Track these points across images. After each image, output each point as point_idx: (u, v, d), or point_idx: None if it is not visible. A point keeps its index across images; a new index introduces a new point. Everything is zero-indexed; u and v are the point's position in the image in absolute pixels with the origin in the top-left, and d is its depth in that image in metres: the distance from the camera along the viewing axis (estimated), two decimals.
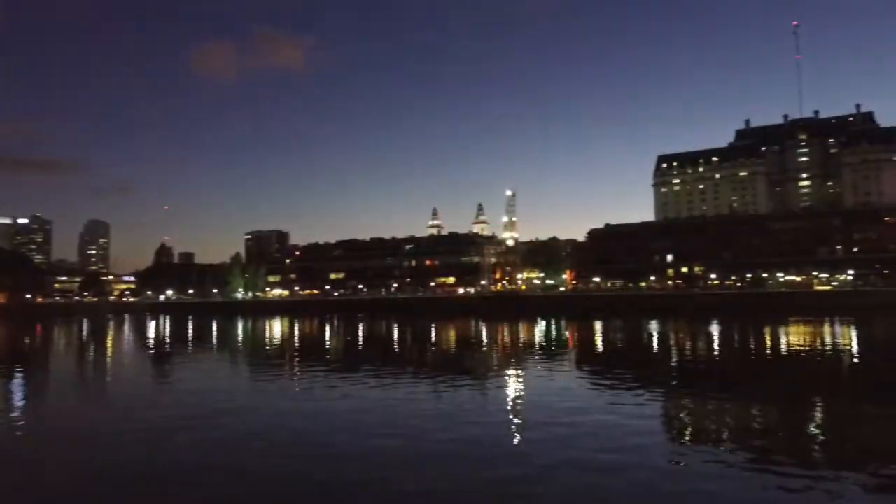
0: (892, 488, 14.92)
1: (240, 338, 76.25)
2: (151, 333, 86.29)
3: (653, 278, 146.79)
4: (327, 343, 64.53)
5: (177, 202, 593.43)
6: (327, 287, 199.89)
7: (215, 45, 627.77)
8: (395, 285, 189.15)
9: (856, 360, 40.86)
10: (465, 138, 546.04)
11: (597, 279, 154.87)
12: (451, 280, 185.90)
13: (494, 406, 26.73)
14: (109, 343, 71.08)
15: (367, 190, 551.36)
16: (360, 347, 58.61)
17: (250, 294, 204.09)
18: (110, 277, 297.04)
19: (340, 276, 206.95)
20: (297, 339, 71.24)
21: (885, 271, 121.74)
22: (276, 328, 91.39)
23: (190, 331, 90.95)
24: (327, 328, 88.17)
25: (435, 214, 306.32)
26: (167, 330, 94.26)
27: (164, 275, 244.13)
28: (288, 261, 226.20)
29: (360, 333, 76.36)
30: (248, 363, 48.27)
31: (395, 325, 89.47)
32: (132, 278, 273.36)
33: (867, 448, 18.83)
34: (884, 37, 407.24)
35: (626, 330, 71.79)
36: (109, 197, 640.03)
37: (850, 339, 54.95)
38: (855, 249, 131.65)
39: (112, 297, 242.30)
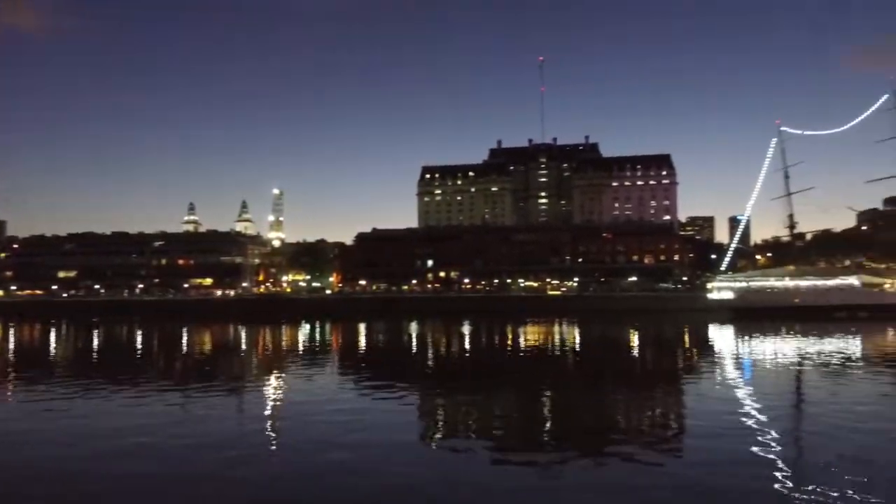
0: (609, 462, 17.56)
1: None
2: None
3: (415, 282, 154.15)
4: (52, 352, 55.73)
5: None
6: (55, 287, 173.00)
7: None
8: (141, 286, 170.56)
9: (578, 356, 47.63)
10: (230, 132, 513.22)
11: (363, 282, 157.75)
12: (209, 281, 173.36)
13: (246, 410, 25.59)
14: None
15: (110, 179, 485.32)
16: (95, 356, 51.77)
17: None
18: None
19: (71, 274, 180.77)
20: (12, 347, 60.31)
21: (602, 279, 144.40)
22: None
23: None
24: (52, 334, 76.21)
25: (192, 209, 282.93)
26: None
27: None
28: (4, 255, 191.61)
29: (95, 340, 67.39)
30: None
31: (140, 330, 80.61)
32: None
33: (587, 428, 22.05)
34: (613, 83, 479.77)
35: (388, 331, 74.19)
36: None
37: (575, 337, 63.75)
38: (580, 260, 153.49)
39: None
